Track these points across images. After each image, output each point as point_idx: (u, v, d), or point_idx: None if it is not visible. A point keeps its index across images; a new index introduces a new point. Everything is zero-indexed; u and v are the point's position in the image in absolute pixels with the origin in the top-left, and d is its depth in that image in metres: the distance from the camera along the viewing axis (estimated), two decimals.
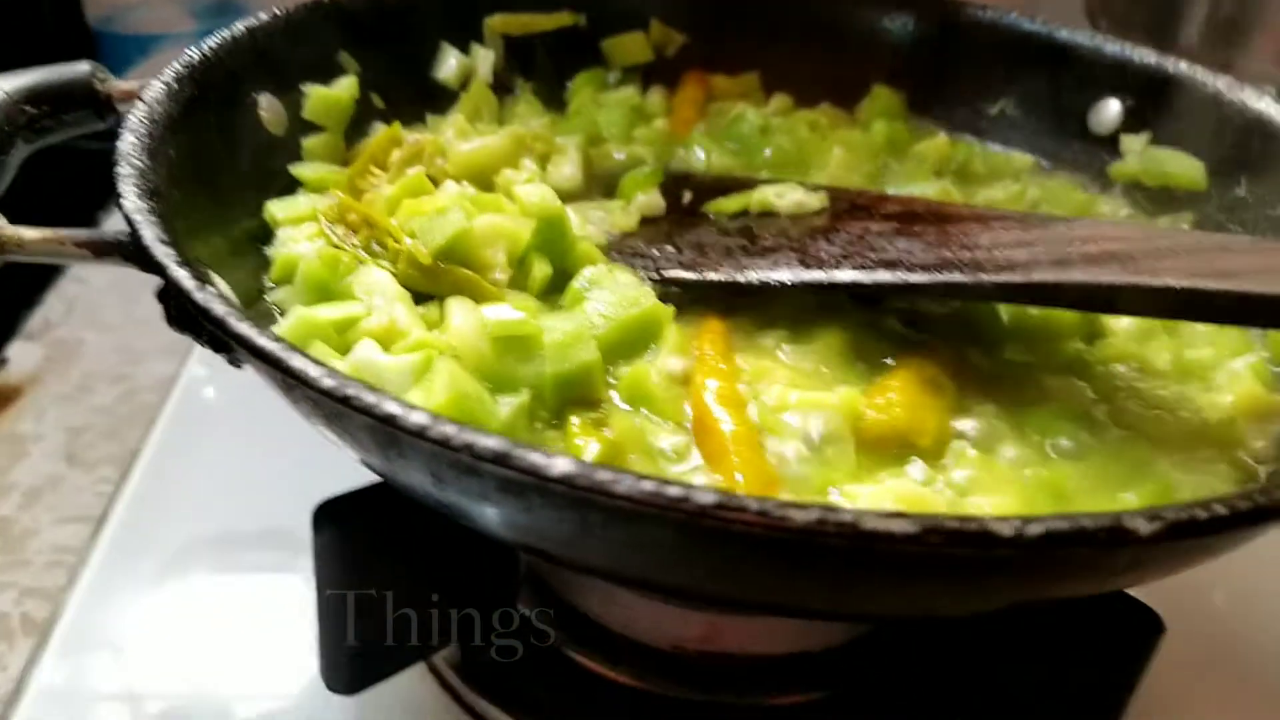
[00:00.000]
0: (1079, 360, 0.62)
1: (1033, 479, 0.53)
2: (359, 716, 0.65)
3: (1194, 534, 0.35)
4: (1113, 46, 0.83)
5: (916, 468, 0.53)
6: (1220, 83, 0.77)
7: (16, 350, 1.16)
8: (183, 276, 0.44)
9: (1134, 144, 0.81)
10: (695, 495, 0.35)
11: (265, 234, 0.67)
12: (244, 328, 0.41)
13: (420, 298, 0.60)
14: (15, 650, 0.79)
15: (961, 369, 0.60)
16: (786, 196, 0.69)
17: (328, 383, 0.38)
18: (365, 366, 0.52)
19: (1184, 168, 0.77)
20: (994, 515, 0.35)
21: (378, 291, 0.57)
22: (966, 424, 0.56)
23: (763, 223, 0.69)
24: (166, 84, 0.61)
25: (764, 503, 0.34)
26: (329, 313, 0.56)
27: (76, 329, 1.34)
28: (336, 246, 0.62)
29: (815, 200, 0.69)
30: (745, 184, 0.74)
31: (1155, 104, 0.81)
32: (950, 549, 0.34)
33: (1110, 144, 0.83)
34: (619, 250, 0.68)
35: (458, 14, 0.86)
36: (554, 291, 0.63)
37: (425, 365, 0.52)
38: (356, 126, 0.78)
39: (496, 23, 0.87)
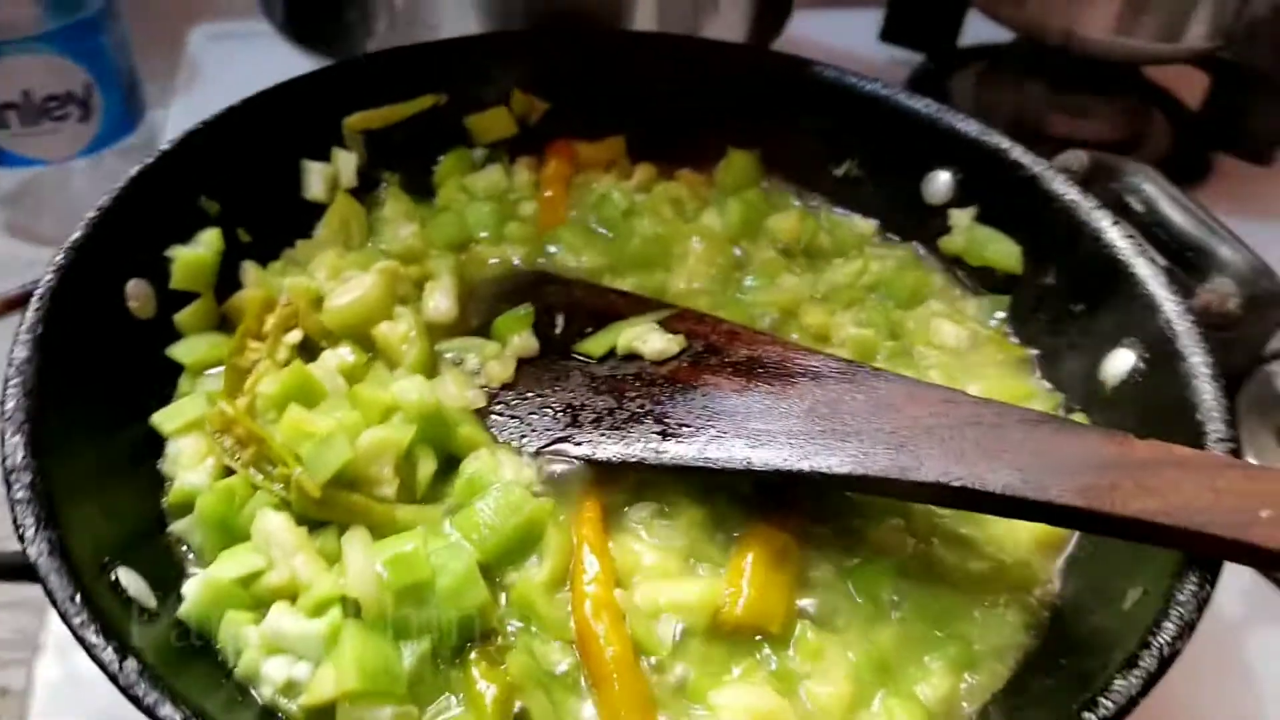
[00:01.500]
0: (902, 505, 0.71)
1: (861, 658, 0.63)
2: None
3: None
4: (945, 116, 0.87)
5: (768, 658, 0.63)
6: (1037, 166, 0.83)
7: None
8: (80, 625, 0.50)
9: (961, 219, 0.87)
10: None
11: (155, 441, 0.70)
12: (127, 678, 0.49)
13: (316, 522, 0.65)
14: None
15: (805, 530, 0.69)
16: (649, 342, 0.75)
17: None
18: (276, 638, 0.58)
19: (1002, 251, 0.84)
20: None
21: (274, 541, 0.62)
22: (808, 600, 0.66)
23: (628, 372, 0.74)
24: (32, 333, 0.63)
25: None
26: (231, 571, 0.61)
27: None
28: (228, 468, 0.66)
29: (674, 345, 0.75)
30: (611, 311, 0.78)
31: (980, 180, 0.87)
32: None
33: (942, 215, 0.89)
34: (498, 414, 0.73)
35: (314, 123, 0.85)
36: (442, 476, 0.69)
37: (334, 635, 0.58)
38: (227, 274, 0.79)
39: (355, 121, 0.87)
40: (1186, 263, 0.81)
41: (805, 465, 0.65)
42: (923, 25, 1.44)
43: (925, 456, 0.63)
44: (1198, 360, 0.69)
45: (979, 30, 1.46)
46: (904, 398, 0.67)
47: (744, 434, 0.68)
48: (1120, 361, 0.74)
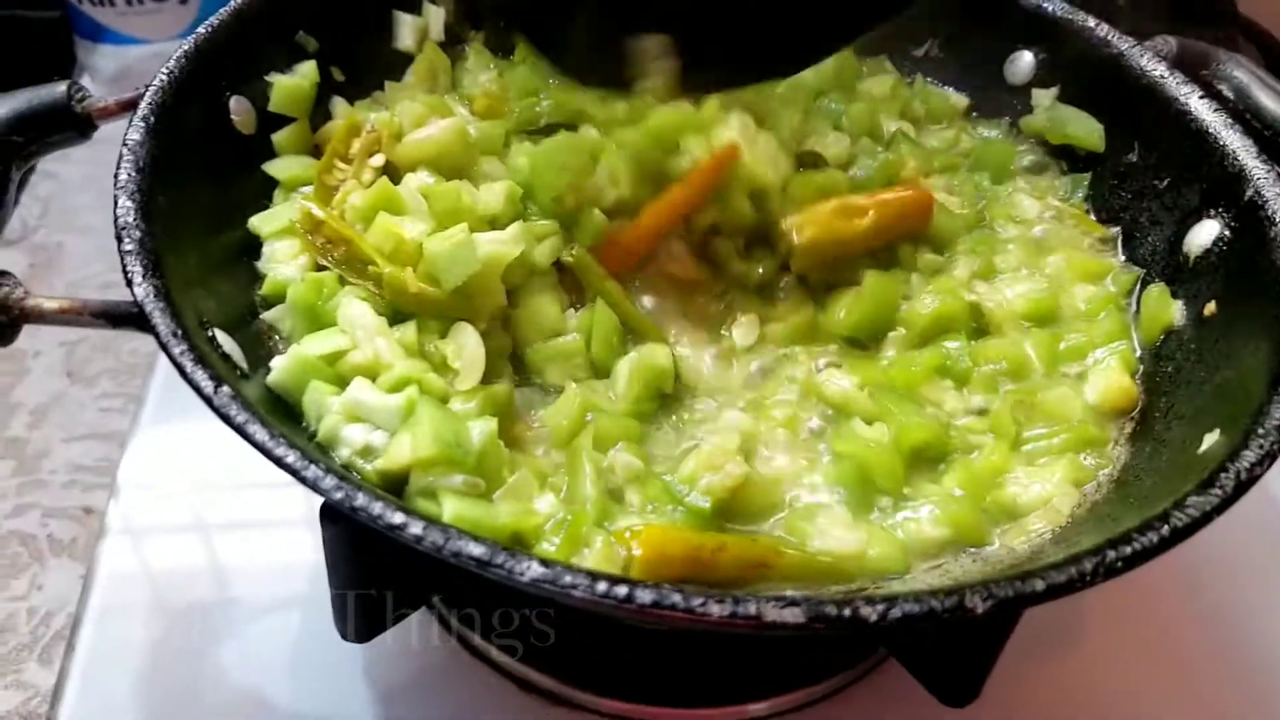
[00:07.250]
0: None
1: None
2: None
3: (1018, 606, 0.47)
4: None
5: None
6: (1123, 44, 0.82)
7: None
8: (201, 380, 0.53)
9: (1043, 99, 0.87)
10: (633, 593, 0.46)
11: (253, 242, 0.73)
12: (263, 438, 0.51)
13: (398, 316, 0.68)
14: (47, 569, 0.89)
15: None
16: None
17: (326, 486, 0.49)
18: (356, 406, 0.61)
19: (1084, 129, 0.84)
20: (865, 597, 0.46)
21: (359, 325, 0.65)
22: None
23: None
24: (145, 120, 0.66)
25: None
26: (317, 348, 0.64)
27: (55, 232, 1.38)
28: (320, 266, 0.70)
29: None
30: None
31: (1063, 60, 0.86)
32: (831, 629, 0.46)
33: (1024, 95, 0.89)
34: None
35: None
36: None
37: (409, 408, 0.61)
38: (320, 107, 0.82)
39: None
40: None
41: None
42: None
43: None
44: None
45: None
46: None
47: None
48: (1205, 232, 0.74)
